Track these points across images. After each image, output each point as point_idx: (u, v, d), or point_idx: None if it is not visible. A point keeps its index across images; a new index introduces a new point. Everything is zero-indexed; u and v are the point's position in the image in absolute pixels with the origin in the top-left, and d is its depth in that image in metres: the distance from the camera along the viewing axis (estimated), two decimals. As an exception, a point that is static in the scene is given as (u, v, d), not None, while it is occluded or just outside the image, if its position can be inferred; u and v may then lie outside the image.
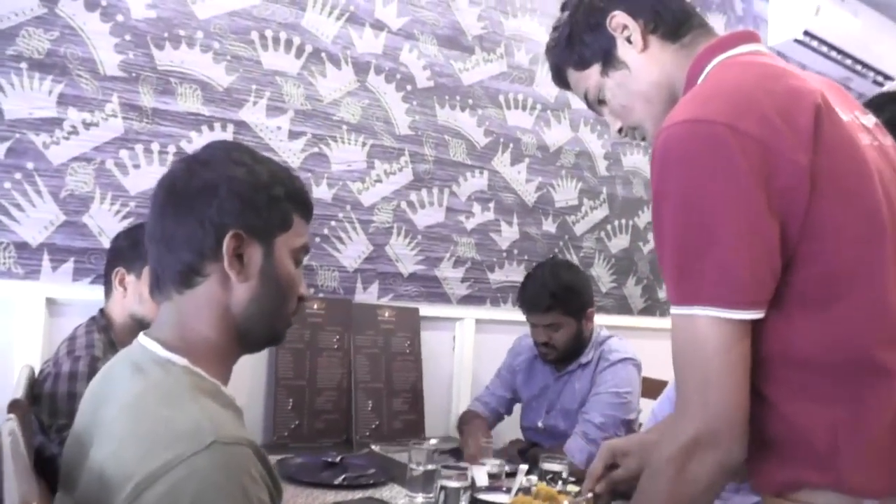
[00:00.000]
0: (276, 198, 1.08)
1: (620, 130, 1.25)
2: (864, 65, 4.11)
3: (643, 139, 1.24)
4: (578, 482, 1.94)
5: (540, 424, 2.51)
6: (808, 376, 0.97)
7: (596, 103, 1.26)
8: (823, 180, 0.94)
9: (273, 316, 1.11)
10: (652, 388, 2.67)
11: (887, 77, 4.26)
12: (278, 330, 1.15)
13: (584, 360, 2.46)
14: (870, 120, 1.09)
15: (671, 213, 0.97)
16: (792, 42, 3.85)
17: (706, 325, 0.94)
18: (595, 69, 1.22)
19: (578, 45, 1.23)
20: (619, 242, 3.34)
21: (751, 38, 1.12)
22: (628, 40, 1.18)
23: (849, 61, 4.05)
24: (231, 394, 1.07)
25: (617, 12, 1.18)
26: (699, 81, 1.10)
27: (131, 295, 1.82)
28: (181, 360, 1.02)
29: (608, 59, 1.20)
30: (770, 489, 1.00)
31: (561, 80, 1.30)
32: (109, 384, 1.06)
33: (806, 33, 3.80)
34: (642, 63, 1.17)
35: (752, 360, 0.97)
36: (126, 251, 1.82)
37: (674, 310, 0.98)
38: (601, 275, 3.29)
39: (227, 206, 1.04)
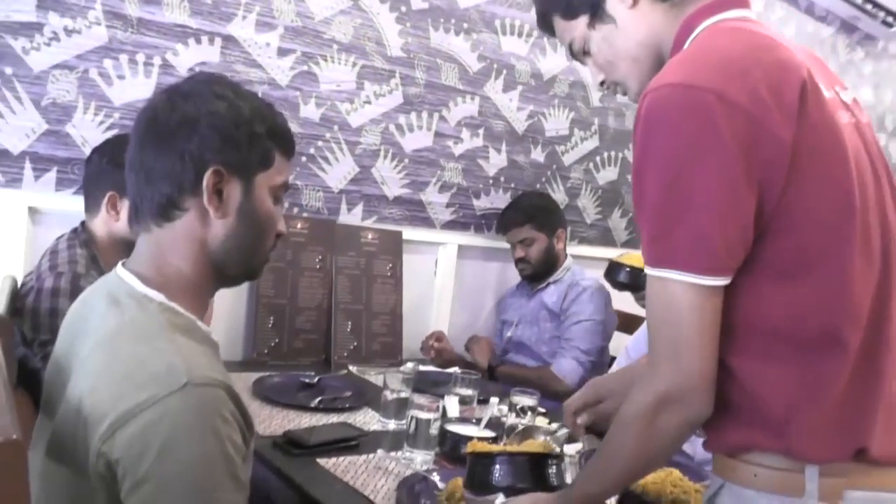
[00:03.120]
0: (258, 135, 1.07)
1: (603, 83, 1.23)
2: (875, 3, 4.02)
3: (624, 94, 1.22)
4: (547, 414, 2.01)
5: (508, 334, 2.75)
6: (769, 345, 1.00)
7: (581, 54, 1.23)
8: (803, 158, 0.95)
9: (250, 253, 1.12)
10: (629, 322, 2.72)
11: (896, 17, 4.19)
12: (255, 266, 1.15)
13: (553, 279, 2.72)
14: (849, 95, 1.09)
15: (652, 176, 0.98)
16: (802, -23, 3.77)
17: (679, 289, 0.96)
18: (582, 20, 1.19)
19: None
20: (607, 174, 3.33)
21: (740, 2, 1.10)
22: None
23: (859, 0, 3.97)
24: (207, 329, 1.08)
25: None
26: (687, 44, 1.08)
27: (125, 220, 1.78)
28: (158, 296, 1.03)
29: (596, 12, 1.17)
30: (722, 449, 1.05)
31: (546, 25, 1.27)
32: (86, 314, 1.07)
33: (816, -32, 3.72)
34: (631, 19, 1.15)
35: None
36: (120, 174, 1.77)
37: (649, 270, 1.00)
38: (587, 206, 3.29)
39: (208, 142, 1.03)
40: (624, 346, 2.29)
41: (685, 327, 0.97)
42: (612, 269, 2.48)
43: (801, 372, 0.98)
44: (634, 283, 2.41)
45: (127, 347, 0.96)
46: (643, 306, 2.38)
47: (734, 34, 1.05)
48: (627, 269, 2.43)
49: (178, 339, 0.97)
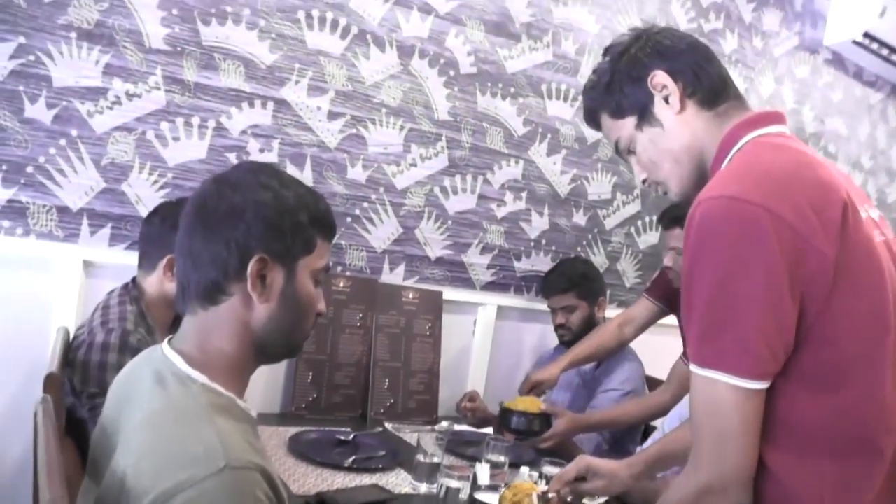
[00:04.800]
0: (301, 223, 1.12)
1: (645, 181, 1.28)
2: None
3: (665, 194, 1.26)
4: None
5: (542, 398, 2.65)
6: (805, 446, 1.03)
7: (626, 152, 1.28)
8: (843, 274, 0.99)
9: (291, 333, 1.16)
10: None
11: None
12: (296, 344, 1.20)
13: None
14: (876, 213, 1.12)
15: (702, 283, 1.02)
16: (850, 43, 3.76)
17: (724, 389, 1.01)
18: (630, 121, 1.24)
19: (618, 95, 1.25)
20: (648, 238, 3.34)
21: (779, 119, 1.16)
22: (666, 100, 1.20)
23: (908, 66, 3.96)
24: (246, 406, 1.13)
25: (659, 71, 1.20)
26: (731, 154, 1.13)
27: None
28: (200, 378, 1.07)
29: (644, 115, 1.22)
30: None
31: (593, 121, 1.32)
32: (134, 383, 1.12)
33: (866, 35, 3.72)
34: (676, 125, 1.20)
35: None
36: None
37: (695, 369, 1.05)
38: (627, 269, 3.30)
39: (253, 230, 1.08)
40: (660, 423, 2.28)
41: (728, 424, 1.02)
42: (504, 415, 2.27)
43: (836, 475, 1.01)
44: (528, 428, 2.25)
45: (169, 428, 1.00)
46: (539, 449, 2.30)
47: (778, 150, 1.10)
48: (519, 415, 2.25)
49: (217, 421, 1.02)
